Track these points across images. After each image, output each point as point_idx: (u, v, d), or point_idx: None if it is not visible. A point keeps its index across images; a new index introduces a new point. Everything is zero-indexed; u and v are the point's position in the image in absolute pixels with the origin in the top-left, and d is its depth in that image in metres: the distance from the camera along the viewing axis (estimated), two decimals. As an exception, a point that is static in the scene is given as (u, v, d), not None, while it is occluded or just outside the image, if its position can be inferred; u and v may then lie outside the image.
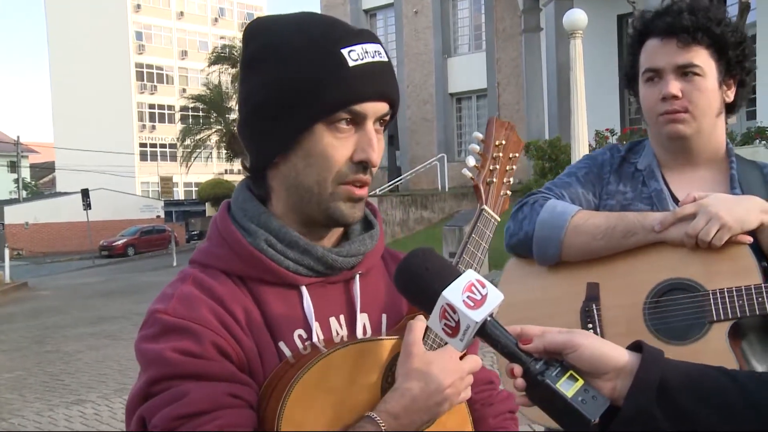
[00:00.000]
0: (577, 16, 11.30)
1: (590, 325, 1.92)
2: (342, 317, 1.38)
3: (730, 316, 1.76)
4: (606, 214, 1.98)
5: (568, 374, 1.14)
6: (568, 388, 1.11)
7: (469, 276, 1.15)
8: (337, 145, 1.27)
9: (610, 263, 1.93)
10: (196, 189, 58.56)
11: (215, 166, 62.06)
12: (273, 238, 1.33)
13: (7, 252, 25.31)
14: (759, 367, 1.83)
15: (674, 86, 1.92)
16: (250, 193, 1.39)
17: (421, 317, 1.31)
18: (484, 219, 1.43)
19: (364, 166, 1.29)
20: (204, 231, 43.79)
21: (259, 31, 1.33)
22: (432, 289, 1.14)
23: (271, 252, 1.32)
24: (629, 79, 2.10)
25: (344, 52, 1.25)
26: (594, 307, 1.93)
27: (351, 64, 1.24)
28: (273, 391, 1.22)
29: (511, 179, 1.51)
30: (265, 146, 1.31)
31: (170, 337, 1.20)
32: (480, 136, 1.52)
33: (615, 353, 1.16)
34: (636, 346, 1.19)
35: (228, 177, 55.66)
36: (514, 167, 1.52)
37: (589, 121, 11.65)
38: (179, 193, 66.69)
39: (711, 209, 1.77)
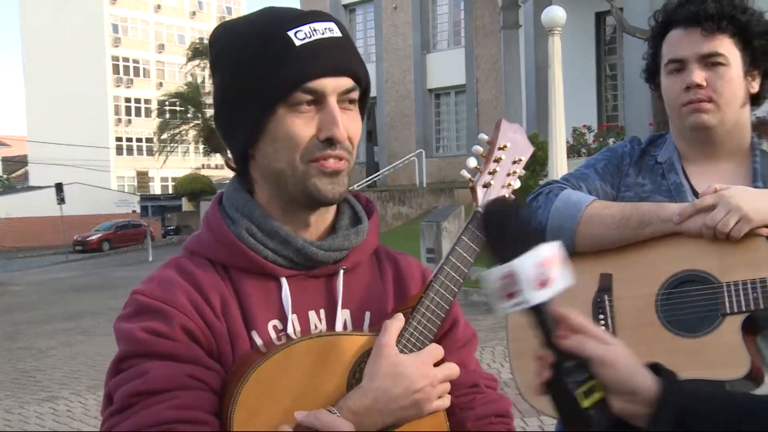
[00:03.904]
0: (555, 14, 11.39)
1: (601, 316, 1.91)
2: (322, 311, 1.38)
3: (744, 308, 1.74)
4: (621, 204, 1.97)
5: (590, 384, 1.14)
6: (586, 397, 1.13)
7: (549, 250, 1.15)
8: (300, 124, 1.28)
9: (624, 254, 1.92)
10: (173, 184, 58.29)
11: (192, 161, 61.86)
12: (254, 227, 1.35)
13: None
14: None
15: (698, 75, 1.90)
16: (239, 185, 1.41)
17: (400, 316, 1.32)
18: (477, 221, 1.41)
19: (331, 142, 1.29)
20: (180, 226, 43.65)
21: (219, 34, 1.37)
22: (510, 249, 1.14)
23: (251, 241, 1.34)
24: (650, 72, 2.08)
25: (290, 33, 1.27)
26: (606, 298, 1.92)
27: (297, 43, 1.26)
28: (234, 377, 1.24)
29: (516, 182, 1.50)
30: (235, 137, 1.34)
31: (143, 316, 1.25)
32: (486, 137, 1.50)
33: (641, 378, 1.17)
34: (653, 367, 1.21)
35: (205, 172, 55.46)
36: (520, 171, 1.50)
37: (567, 117, 11.75)
38: (156, 188, 66.41)
39: (731, 201, 1.76)
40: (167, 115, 40.85)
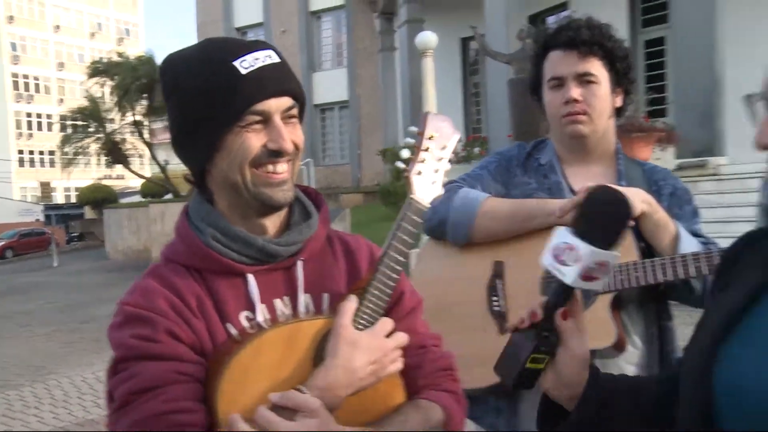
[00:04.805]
0: (427, 38, 11.71)
1: (495, 298, 1.96)
2: (286, 298, 1.42)
3: (612, 288, 1.83)
4: (511, 200, 2.02)
5: (545, 357, 1.17)
6: (532, 361, 1.16)
7: (614, 258, 1.14)
8: (251, 137, 1.34)
9: (513, 244, 1.97)
10: (76, 193, 56.00)
11: (94, 172, 59.57)
12: (219, 234, 1.39)
13: None
14: (633, 332, 1.94)
15: (575, 91, 1.99)
16: (201, 197, 1.45)
17: (353, 298, 1.37)
18: (413, 208, 1.44)
19: (277, 153, 1.35)
20: (84, 233, 41.94)
21: (169, 64, 1.41)
22: (592, 232, 1.14)
23: (218, 246, 1.38)
24: (533, 86, 2.15)
25: (236, 63, 1.32)
26: (499, 283, 1.97)
27: (243, 72, 1.31)
28: (217, 366, 1.29)
29: (447, 167, 1.51)
30: (193, 156, 1.40)
31: (131, 325, 1.30)
32: (414, 129, 1.51)
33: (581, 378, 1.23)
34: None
35: (107, 182, 53.52)
36: (448, 157, 1.51)
37: (437, 130, 12.02)
38: (59, 198, 63.50)
39: None
40: (69, 130, 39.28)
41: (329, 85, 27.49)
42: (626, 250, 1.84)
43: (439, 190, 1.50)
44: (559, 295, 1.16)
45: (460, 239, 2.03)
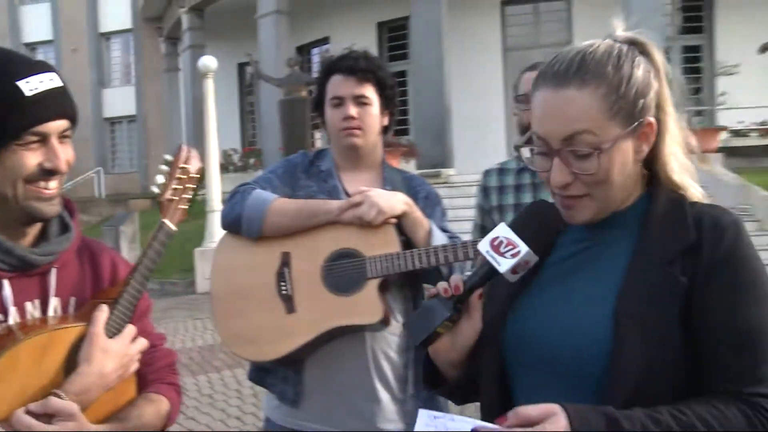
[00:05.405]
0: (208, 62, 11.45)
1: (283, 284, 1.97)
2: (37, 302, 1.35)
3: (380, 273, 1.89)
4: (297, 201, 2.03)
5: (451, 325, 1.16)
6: (441, 326, 1.14)
7: (534, 260, 1.13)
8: (28, 156, 1.26)
9: (299, 238, 1.99)
10: None
11: None
12: None
13: None
14: (396, 309, 2.01)
15: (352, 110, 2.06)
16: None
17: (104, 308, 1.33)
18: (164, 231, 1.42)
19: (52, 172, 1.29)
20: None
21: None
22: (528, 234, 1.12)
23: None
24: (317, 103, 2.18)
25: (20, 83, 1.23)
26: (286, 270, 1.98)
27: (27, 93, 1.23)
28: None
29: (191, 195, 1.50)
30: None
31: None
32: (169, 158, 1.49)
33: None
34: None
35: None
36: (195, 186, 1.50)
37: (219, 143, 11.81)
38: None
39: (372, 199, 1.91)
40: None
41: (119, 100, 25.86)
42: (390, 243, 1.92)
43: (184, 215, 1.48)
44: (484, 279, 1.16)
45: (253, 233, 2.02)
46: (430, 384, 1.27)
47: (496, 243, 1.13)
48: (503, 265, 1.11)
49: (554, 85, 1.07)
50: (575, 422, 0.94)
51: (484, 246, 1.14)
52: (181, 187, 1.48)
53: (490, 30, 15.66)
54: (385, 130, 2.19)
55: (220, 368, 6.02)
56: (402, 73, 15.37)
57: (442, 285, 1.16)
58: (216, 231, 10.71)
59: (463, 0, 14.43)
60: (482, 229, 2.52)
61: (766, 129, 13.50)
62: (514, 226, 1.15)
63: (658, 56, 1.12)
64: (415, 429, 1.04)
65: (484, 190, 2.52)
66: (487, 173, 2.55)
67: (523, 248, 1.11)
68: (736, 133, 13.14)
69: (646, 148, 1.11)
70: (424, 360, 1.26)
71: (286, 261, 2.00)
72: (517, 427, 0.96)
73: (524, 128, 2.41)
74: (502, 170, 2.51)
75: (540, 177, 1.15)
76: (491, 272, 1.14)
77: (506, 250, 1.12)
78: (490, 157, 4.59)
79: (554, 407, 0.96)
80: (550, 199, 1.15)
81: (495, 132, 14.86)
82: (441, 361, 1.22)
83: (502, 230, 1.14)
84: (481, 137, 14.54)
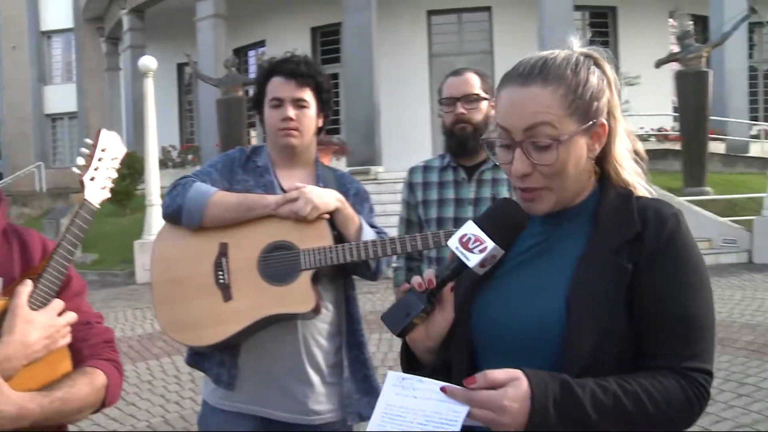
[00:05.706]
0: (148, 62, 11.06)
1: (221, 273, 1.93)
2: None
3: (313, 265, 1.87)
4: (236, 194, 1.98)
5: (425, 317, 1.15)
6: (417, 317, 1.14)
7: (500, 255, 1.13)
8: None
9: (237, 229, 1.95)
10: None
11: None
12: None
13: None
14: (326, 299, 1.98)
15: (291, 112, 2.01)
16: None
17: (28, 282, 1.29)
18: (86, 208, 1.39)
19: None
20: None
21: None
22: (495, 231, 1.12)
23: None
24: (256, 103, 2.12)
25: None
26: (224, 260, 1.94)
27: None
28: None
29: (114, 176, 1.49)
30: None
31: None
32: (90, 142, 1.47)
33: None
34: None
35: None
36: (116, 167, 1.49)
37: (158, 139, 11.40)
38: None
39: (307, 195, 1.88)
40: None
41: (60, 97, 24.62)
42: (323, 237, 1.90)
43: (108, 194, 1.47)
44: (454, 273, 1.15)
45: (193, 224, 1.96)
46: (410, 368, 1.27)
47: (464, 240, 1.13)
48: (472, 260, 1.12)
49: (519, 83, 1.11)
50: (535, 387, 0.99)
51: (453, 243, 1.15)
52: (103, 168, 1.46)
53: (417, 37, 15.76)
54: (319, 130, 2.15)
55: (159, 355, 5.81)
56: (334, 76, 15.22)
57: (416, 280, 1.16)
58: (155, 224, 10.35)
59: (392, 8, 14.46)
60: (408, 223, 2.55)
61: (662, 134, 14.13)
62: (481, 224, 1.15)
63: (609, 69, 1.17)
64: (383, 389, 1.06)
65: (410, 186, 2.52)
66: (412, 170, 2.55)
67: (490, 244, 1.12)
68: (638, 138, 13.65)
69: (598, 147, 1.15)
70: (403, 348, 1.26)
71: (223, 251, 1.95)
72: (483, 388, 1.00)
73: (447, 129, 2.42)
74: (426, 168, 2.51)
75: (503, 169, 1.17)
76: (461, 267, 1.14)
77: (474, 246, 1.12)
78: (416, 156, 4.57)
79: (518, 372, 1.01)
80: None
81: (421, 132, 14.98)
82: (418, 349, 1.22)
83: (470, 228, 1.14)
84: (407, 137, 14.63)
